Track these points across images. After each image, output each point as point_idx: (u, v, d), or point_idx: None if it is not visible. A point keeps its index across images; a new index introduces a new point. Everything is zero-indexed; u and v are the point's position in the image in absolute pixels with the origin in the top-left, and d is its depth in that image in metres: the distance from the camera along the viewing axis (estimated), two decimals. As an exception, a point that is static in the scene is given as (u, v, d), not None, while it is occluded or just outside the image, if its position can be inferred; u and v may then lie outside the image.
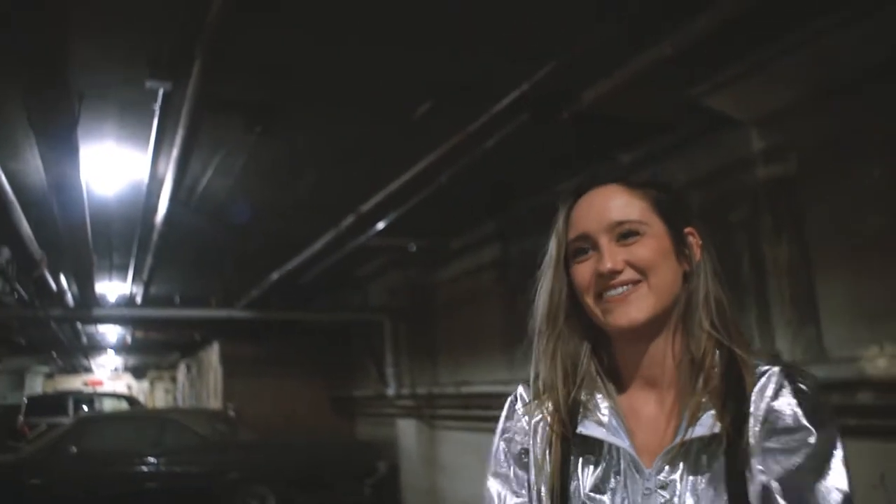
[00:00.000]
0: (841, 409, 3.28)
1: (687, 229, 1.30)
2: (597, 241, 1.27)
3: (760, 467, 1.14)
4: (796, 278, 4.09)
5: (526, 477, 1.34)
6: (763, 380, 1.19)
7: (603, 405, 1.28)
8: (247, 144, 5.54)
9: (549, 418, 1.32)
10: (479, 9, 3.88)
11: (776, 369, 1.19)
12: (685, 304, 1.27)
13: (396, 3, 3.86)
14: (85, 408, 18.80)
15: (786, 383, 1.17)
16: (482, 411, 8.65)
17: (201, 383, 19.37)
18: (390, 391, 10.89)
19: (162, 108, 4.71)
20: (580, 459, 1.27)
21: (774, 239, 4.25)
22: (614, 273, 1.23)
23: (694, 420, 1.19)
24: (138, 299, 10.93)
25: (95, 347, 21.89)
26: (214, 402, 15.96)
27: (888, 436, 3.54)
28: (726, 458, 1.16)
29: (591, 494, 1.25)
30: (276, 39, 4.20)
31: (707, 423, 1.18)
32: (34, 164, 5.46)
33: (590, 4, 3.77)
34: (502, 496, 1.36)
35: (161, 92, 4.55)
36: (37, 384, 29.43)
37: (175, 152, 5.04)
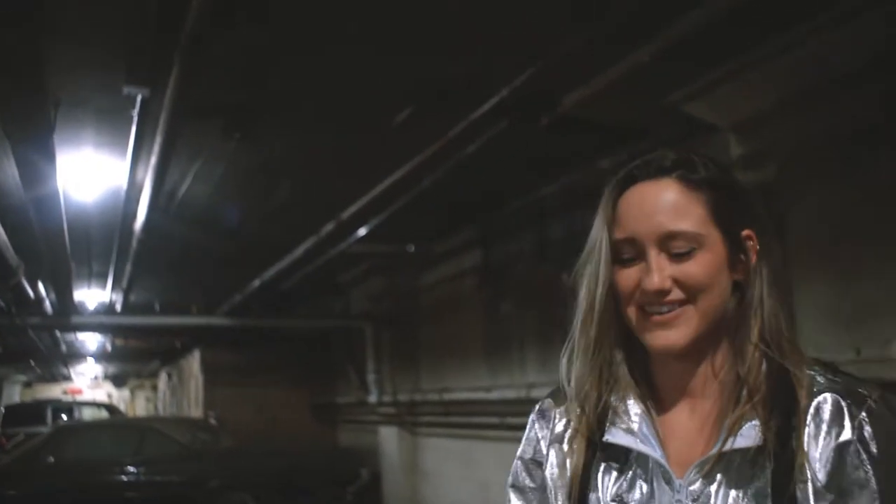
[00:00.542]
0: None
1: (745, 232, 1.16)
2: (645, 249, 1.14)
3: (814, 492, 1.05)
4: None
5: (545, 487, 1.28)
6: (823, 402, 1.09)
7: (634, 412, 1.19)
8: (226, 151, 5.52)
9: (575, 423, 1.24)
10: (458, 14, 3.88)
11: (835, 392, 1.09)
12: (734, 316, 1.16)
13: (375, 10, 3.86)
14: (64, 417, 18.64)
15: (847, 408, 1.07)
16: (464, 418, 8.66)
17: (182, 391, 19.26)
18: (372, 398, 10.86)
19: (140, 115, 4.68)
20: (602, 466, 1.20)
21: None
22: (661, 292, 1.12)
23: (735, 430, 1.09)
24: (118, 307, 10.84)
25: (75, 355, 21.69)
26: (196, 410, 15.87)
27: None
28: (773, 473, 1.06)
29: None
30: (254, 45, 4.19)
31: (750, 435, 1.08)
32: (10, 171, 5.40)
33: (568, 10, 3.78)
34: None
35: (139, 98, 4.52)
36: (14, 393, 29.11)
37: (154, 159, 5.01)
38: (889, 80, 3.53)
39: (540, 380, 7.12)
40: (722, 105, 4.27)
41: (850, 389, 1.09)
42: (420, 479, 10.21)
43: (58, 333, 15.17)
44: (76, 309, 10.49)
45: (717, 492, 1.10)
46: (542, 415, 1.34)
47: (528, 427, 1.36)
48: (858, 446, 1.05)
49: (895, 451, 1.04)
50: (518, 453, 1.35)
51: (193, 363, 16.30)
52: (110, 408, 22.83)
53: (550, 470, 1.27)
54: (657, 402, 1.22)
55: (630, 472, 1.18)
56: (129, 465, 9.78)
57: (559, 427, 1.28)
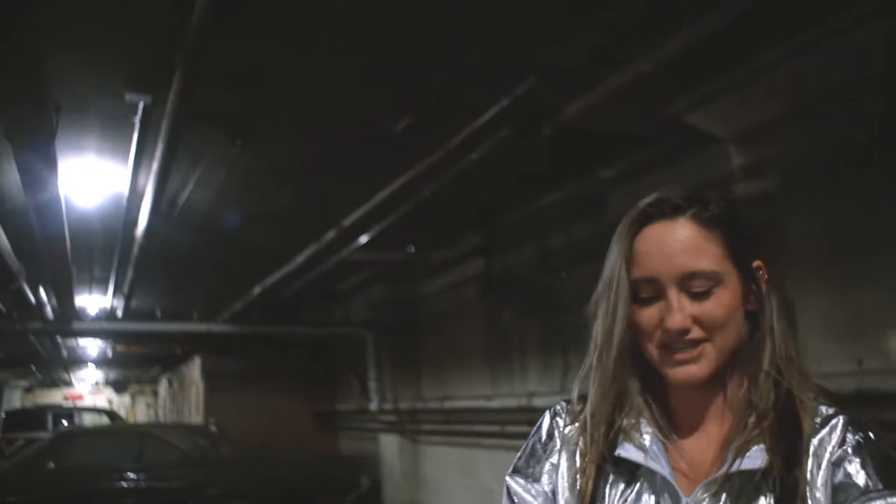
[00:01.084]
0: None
1: (756, 263, 1.19)
2: (664, 289, 1.16)
3: None
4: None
5: (545, 490, 1.30)
6: (826, 429, 1.12)
7: (646, 430, 1.22)
8: (227, 158, 5.53)
9: (587, 438, 1.26)
10: (460, 23, 3.89)
11: (841, 419, 1.12)
12: (747, 344, 1.19)
13: (377, 18, 3.86)
14: (64, 422, 18.61)
15: (850, 436, 1.10)
16: (465, 426, 8.64)
17: (183, 398, 19.26)
18: (373, 406, 10.86)
19: (142, 121, 4.69)
20: (610, 479, 1.22)
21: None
22: (683, 332, 1.14)
23: (742, 452, 1.12)
24: (119, 313, 10.85)
25: (75, 361, 21.71)
26: (196, 416, 15.87)
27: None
28: (776, 496, 1.09)
29: None
30: (256, 53, 4.20)
31: (756, 456, 1.11)
32: (12, 176, 5.41)
33: (569, 20, 3.78)
34: (522, 497, 1.32)
35: (141, 105, 4.53)
36: (15, 398, 29.13)
37: (155, 165, 5.01)
38: (888, 93, 3.53)
39: (541, 388, 7.11)
40: (723, 116, 4.28)
41: (853, 419, 1.13)
42: (420, 487, 10.19)
43: (59, 339, 15.18)
44: (77, 314, 10.50)
45: None
46: (556, 414, 1.36)
47: (539, 425, 1.38)
48: (853, 471, 1.08)
49: (888, 477, 1.07)
50: (525, 446, 1.37)
51: (194, 370, 16.30)
52: (111, 414, 22.80)
53: (561, 481, 1.29)
54: (671, 425, 1.24)
55: (637, 487, 1.20)
56: (130, 471, 9.77)
57: (572, 436, 1.30)
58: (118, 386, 32.20)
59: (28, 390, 30.35)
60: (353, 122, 5.13)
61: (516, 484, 1.34)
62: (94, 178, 6.05)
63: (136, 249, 7.09)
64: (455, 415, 8.82)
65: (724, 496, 1.13)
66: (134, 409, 33.67)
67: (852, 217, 3.76)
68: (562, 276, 6.60)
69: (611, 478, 1.22)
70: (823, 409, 1.15)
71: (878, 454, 1.08)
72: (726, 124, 4.34)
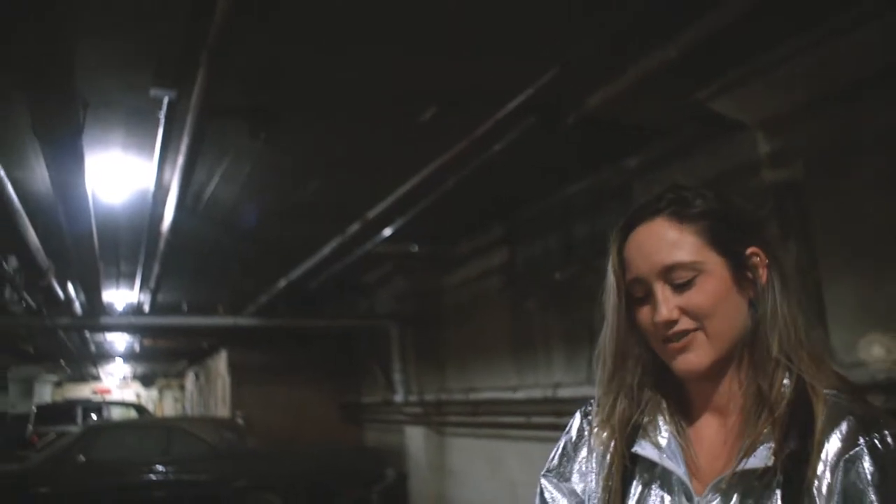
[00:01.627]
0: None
1: (750, 250, 1.22)
2: (651, 286, 1.22)
3: None
4: (804, 282, 4.07)
5: (576, 489, 1.35)
6: (840, 425, 1.11)
7: (664, 428, 1.26)
8: (252, 151, 5.55)
9: (611, 439, 1.30)
10: (483, 13, 3.88)
11: (854, 416, 1.11)
12: (752, 332, 1.21)
13: (400, 9, 3.86)
14: (93, 416, 18.83)
15: (863, 437, 1.09)
16: (490, 417, 8.65)
17: (209, 391, 19.40)
18: (398, 398, 10.88)
19: (167, 116, 4.71)
20: (632, 476, 1.26)
21: (781, 243, 4.22)
22: (670, 323, 1.19)
23: (750, 451, 1.14)
24: (146, 307, 10.93)
25: (103, 356, 21.94)
26: (223, 410, 15.98)
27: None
28: (782, 495, 1.10)
29: None
30: (280, 47, 4.21)
31: (762, 455, 1.12)
32: (40, 173, 5.47)
33: (592, 8, 3.76)
34: (554, 496, 1.36)
35: (166, 100, 4.55)
36: (46, 393, 29.45)
37: (181, 160, 5.04)
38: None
39: (566, 379, 7.09)
40: (750, 102, 4.23)
41: (869, 417, 1.11)
42: (446, 479, 10.21)
43: (87, 334, 15.35)
44: (105, 310, 10.59)
45: None
46: (587, 413, 1.40)
47: (570, 426, 1.42)
48: (866, 471, 1.07)
49: None
50: (558, 446, 1.41)
51: (220, 363, 16.42)
52: (139, 407, 23.03)
53: (590, 479, 1.34)
54: (689, 416, 1.28)
55: (653, 485, 1.25)
56: (158, 464, 9.86)
57: (599, 436, 1.34)
58: (146, 380, 32.51)
59: (58, 385, 30.66)
60: (377, 114, 5.13)
61: (550, 483, 1.38)
62: (120, 174, 6.10)
63: (162, 244, 7.14)
64: (481, 406, 8.83)
65: (735, 496, 1.15)
66: (161, 402, 33.97)
67: (882, 204, 3.71)
68: (585, 267, 6.59)
69: (633, 475, 1.26)
70: (838, 401, 1.14)
71: (892, 461, 1.06)
72: (753, 111, 4.30)
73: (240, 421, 13.43)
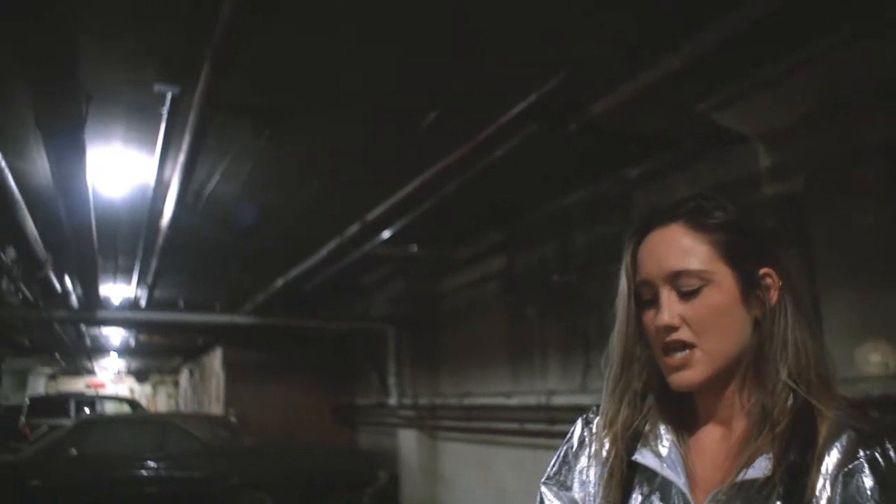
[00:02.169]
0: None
1: (763, 270, 1.21)
2: (657, 290, 1.21)
3: None
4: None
5: (576, 498, 1.34)
6: (839, 439, 1.10)
7: (666, 437, 1.25)
8: (254, 150, 5.55)
9: (612, 446, 1.29)
10: (488, 18, 3.88)
11: (854, 430, 1.11)
12: (756, 352, 1.20)
13: (405, 12, 3.86)
14: (87, 410, 18.78)
15: (863, 450, 1.08)
16: (484, 423, 8.64)
17: (203, 388, 19.37)
18: (392, 401, 10.87)
19: (170, 112, 4.72)
20: (632, 484, 1.26)
21: (797, 267, 4.22)
22: (670, 329, 1.18)
23: (750, 462, 1.13)
24: (142, 302, 10.93)
25: (99, 350, 21.89)
26: (216, 407, 15.95)
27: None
28: None
29: None
30: (285, 46, 4.21)
31: (761, 466, 1.12)
32: (41, 165, 5.47)
33: (600, 16, 3.77)
34: None
35: (169, 95, 4.56)
36: (39, 385, 29.44)
37: (182, 156, 5.04)
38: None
39: (560, 387, 7.09)
40: (752, 115, 4.24)
41: (870, 430, 1.11)
42: (438, 483, 10.20)
43: (83, 327, 15.31)
44: (101, 304, 10.58)
45: None
46: (588, 421, 1.39)
47: (571, 433, 1.41)
48: (865, 485, 1.06)
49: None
50: (559, 453, 1.40)
51: (215, 361, 16.39)
52: (132, 403, 22.99)
53: (590, 488, 1.33)
54: (692, 426, 1.27)
55: (653, 494, 1.23)
56: (150, 459, 9.85)
57: (600, 443, 1.33)
58: (140, 375, 32.45)
59: (52, 378, 30.64)
60: (380, 116, 5.13)
61: (550, 491, 1.37)
62: (121, 169, 6.09)
63: (160, 240, 7.14)
64: (474, 412, 8.82)
65: None
66: (155, 398, 33.91)
67: (881, 218, 3.72)
68: (583, 275, 6.59)
69: (633, 483, 1.25)
70: (840, 415, 1.13)
71: (892, 475, 1.06)
72: (754, 124, 4.31)
73: (232, 419, 13.41)
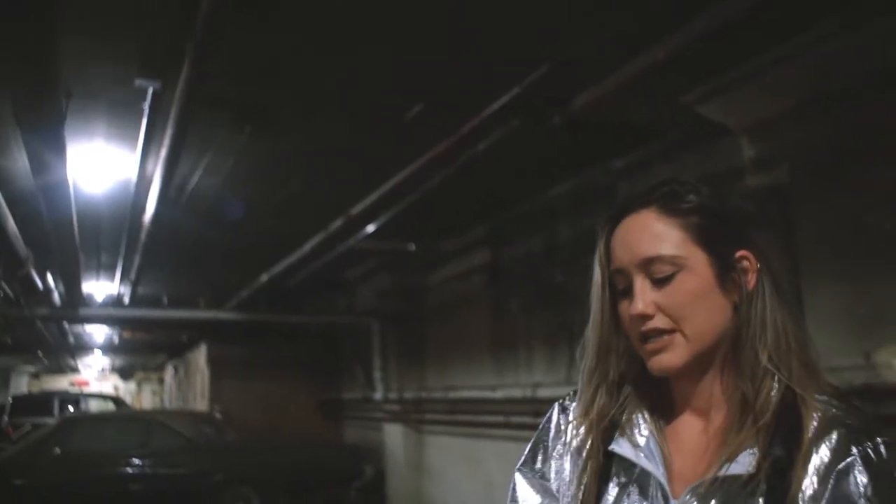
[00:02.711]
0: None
1: (739, 253, 1.18)
2: (631, 278, 1.18)
3: None
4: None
5: (551, 486, 1.31)
6: (829, 434, 1.08)
7: (644, 427, 1.22)
8: (236, 145, 5.52)
9: (588, 435, 1.26)
10: (471, 12, 3.87)
11: (846, 426, 1.08)
12: (735, 337, 1.17)
13: (387, 7, 3.85)
14: (71, 408, 18.70)
15: (855, 447, 1.06)
16: (469, 416, 8.65)
17: (188, 385, 19.30)
18: (378, 395, 10.87)
19: (151, 107, 4.68)
20: (609, 474, 1.23)
21: (776, 250, 4.23)
22: (645, 317, 1.16)
23: (733, 456, 1.10)
24: (126, 299, 10.87)
25: (82, 347, 21.79)
26: (202, 404, 15.90)
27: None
28: (766, 501, 1.07)
29: None
30: (266, 40, 4.18)
31: (745, 462, 1.09)
32: (21, 161, 5.42)
33: (582, 8, 3.76)
34: (527, 491, 1.33)
35: (150, 91, 4.52)
36: (22, 384, 29.24)
37: (164, 151, 5.00)
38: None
39: (546, 380, 7.11)
40: (736, 107, 4.25)
41: (861, 425, 1.09)
42: (424, 477, 10.21)
43: (65, 325, 15.22)
44: (84, 301, 10.52)
45: None
46: (564, 408, 1.37)
47: (546, 419, 1.39)
48: (859, 482, 1.04)
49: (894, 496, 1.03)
50: (533, 440, 1.38)
51: (200, 357, 16.33)
52: (117, 400, 22.90)
53: (565, 476, 1.30)
54: (669, 416, 1.24)
55: (630, 486, 1.21)
56: (135, 457, 9.81)
57: (575, 432, 1.31)
58: (124, 373, 32.33)
59: (35, 376, 30.47)
60: (363, 110, 5.11)
61: (524, 478, 1.35)
62: (102, 164, 6.04)
63: (143, 236, 7.09)
64: (459, 405, 8.83)
65: (713, 501, 1.11)
66: (140, 395, 33.81)
67: (865, 210, 3.73)
68: (568, 268, 6.60)
69: (609, 473, 1.23)
70: (829, 409, 1.11)
71: (885, 472, 1.04)
72: (738, 116, 4.31)
73: (217, 415, 13.38)
